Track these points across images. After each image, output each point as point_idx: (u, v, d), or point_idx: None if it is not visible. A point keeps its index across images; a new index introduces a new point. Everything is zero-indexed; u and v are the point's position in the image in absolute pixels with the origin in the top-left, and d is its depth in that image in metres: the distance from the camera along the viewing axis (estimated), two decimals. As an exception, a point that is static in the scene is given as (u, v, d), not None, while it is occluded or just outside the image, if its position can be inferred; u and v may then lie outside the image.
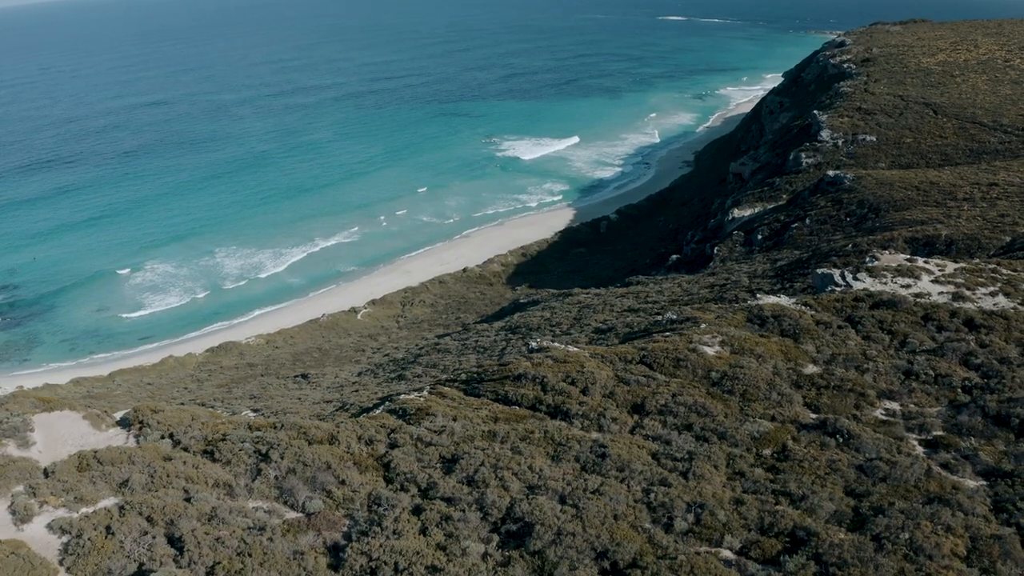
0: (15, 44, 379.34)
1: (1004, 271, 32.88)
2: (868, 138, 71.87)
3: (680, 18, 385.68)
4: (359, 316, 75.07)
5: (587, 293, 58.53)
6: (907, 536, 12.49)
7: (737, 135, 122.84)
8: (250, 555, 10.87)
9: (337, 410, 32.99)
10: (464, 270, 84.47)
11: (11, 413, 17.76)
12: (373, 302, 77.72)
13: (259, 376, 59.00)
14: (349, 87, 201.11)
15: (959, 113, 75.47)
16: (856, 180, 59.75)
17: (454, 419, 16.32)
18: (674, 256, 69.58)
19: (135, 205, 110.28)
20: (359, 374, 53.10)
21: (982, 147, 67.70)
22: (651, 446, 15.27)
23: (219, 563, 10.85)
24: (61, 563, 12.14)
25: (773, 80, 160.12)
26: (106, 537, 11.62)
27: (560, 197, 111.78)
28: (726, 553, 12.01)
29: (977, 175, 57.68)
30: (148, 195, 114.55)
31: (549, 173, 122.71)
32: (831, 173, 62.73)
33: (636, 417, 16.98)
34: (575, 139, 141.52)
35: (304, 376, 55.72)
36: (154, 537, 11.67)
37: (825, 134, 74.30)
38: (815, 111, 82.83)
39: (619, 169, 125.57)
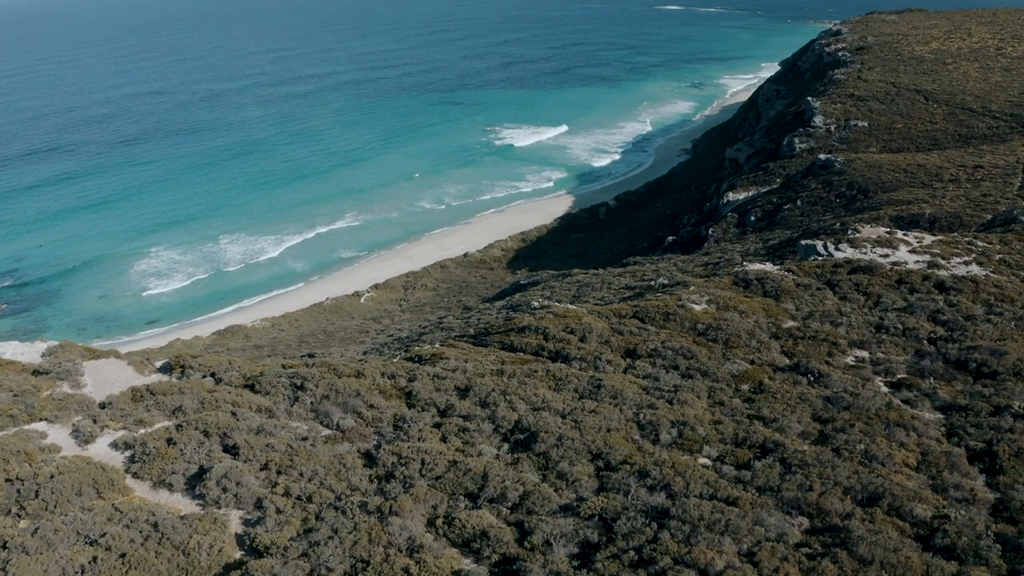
0: (15, 35, 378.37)
1: (980, 243, 34.74)
2: (860, 123, 73.55)
3: (677, 7, 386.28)
4: (362, 300, 76.68)
5: (585, 273, 60.27)
6: (863, 448, 14.34)
7: (734, 123, 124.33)
8: (297, 455, 12.68)
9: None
10: (465, 255, 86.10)
11: (62, 359, 19.54)
12: (376, 286, 79.31)
13: (266, 357, 60.60)
14: (347, 76, 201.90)
15: (949, 99, 77.10)
16: (846, 163, 61.54)
17: (465, 361, 18.14)
18: (670, 238, 71.34)
19: (138, 192, 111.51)
20: (364, 353, 54.74)
21: (971, 132, 69.36)
22: (642, 382, 17.11)
23: (271, 460, 12.66)
24: (127, 471, 13.93)
25: (770, 69, 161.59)
26: (168, 446, 13.40)
27: (559, 184, 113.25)
28: (704, 460, 13.87)
29: (964, 158, 59.44)
30: (150, 182, 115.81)
31: (547, 161, 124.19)
32: (822, 157, 64.47)
33: (629, 360, 18.81)
34: (573, 127, 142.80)
35: (310, 356, 57.28)
36: (211, 446, 13.46)
37: (818, 120, 75.98)
38: (809, 98, 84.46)
39: (617, 157, 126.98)
